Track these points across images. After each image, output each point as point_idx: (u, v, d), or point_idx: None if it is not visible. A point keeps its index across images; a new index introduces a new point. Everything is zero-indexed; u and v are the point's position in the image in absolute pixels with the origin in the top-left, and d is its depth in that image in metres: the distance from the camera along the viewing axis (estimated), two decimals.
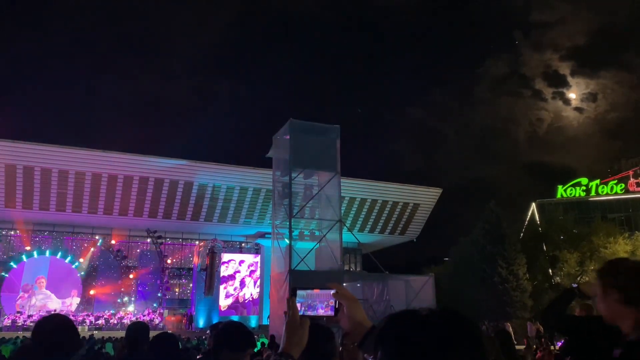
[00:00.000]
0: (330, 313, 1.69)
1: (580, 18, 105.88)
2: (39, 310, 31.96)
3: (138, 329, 4.51)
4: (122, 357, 4.58)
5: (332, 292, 1.69)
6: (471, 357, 1.05)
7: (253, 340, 3.26)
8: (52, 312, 29.37)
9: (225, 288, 34.80)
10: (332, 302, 1.69)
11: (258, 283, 35.63)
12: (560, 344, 10.57)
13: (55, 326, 2.81)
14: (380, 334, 1.14)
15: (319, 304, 1.71)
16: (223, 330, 3.22)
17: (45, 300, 33.20)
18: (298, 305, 1.71)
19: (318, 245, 22.58)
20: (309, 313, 1.70)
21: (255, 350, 7.93)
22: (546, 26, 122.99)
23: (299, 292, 1.71)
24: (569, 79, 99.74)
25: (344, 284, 18.31)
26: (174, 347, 3.80)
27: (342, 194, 24.00)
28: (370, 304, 21.50)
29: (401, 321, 1.13)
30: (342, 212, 26.50)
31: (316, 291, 1.72)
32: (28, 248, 34.75)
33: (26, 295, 32.96)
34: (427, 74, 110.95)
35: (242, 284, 35.59)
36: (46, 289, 33.77)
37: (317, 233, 23.25)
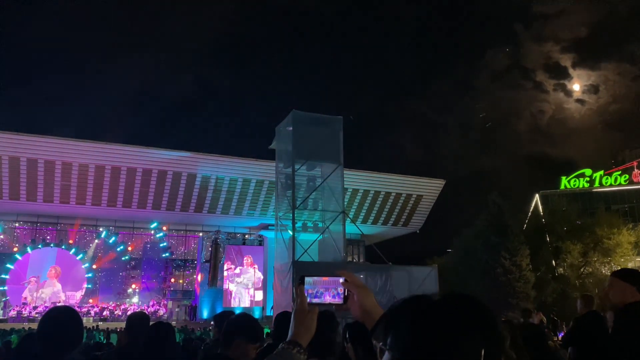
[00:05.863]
0: (338, 300, 1.68)
1: (581, 9, 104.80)
2: (44, 302, 32.16)
3: (138, 318, 4.56)
4: (122, 346, 4.63)
5: (340, 279, 1.68)
6: (485, 341, 1.02)
7: (262, 334, 3.27)
8: (58, 304, 29.64)
9: (228, 279, 34.92)
10: (340, 289, 1.68)
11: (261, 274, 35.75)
12: (562, 334, 10.63)
13: (61, 316, 2.84)
14: (391, 318, 1.11)
15: (326, 291, 1.70)
16: (236, 319, 3.24)
17: (53, 292, 33.39)
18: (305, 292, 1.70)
19: (321, 236, 22.58)
20: (316, 300, 1.69)
21: None
22: (547, 18, 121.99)
23: (306, 279, 1.71)
24: (571, 70, 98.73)
25: None
26: (170, 335, 3.85)
27: (345, 186, 23.95)
28: (374, 295, 21.49)
29: (413, 305, 1.10)
30: (346, 203, 26.48)
31: (324, 279, 1.72)
32: (33, 240, 34.92)
33: (32, 286, 33.15)
34: (429, 66, 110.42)
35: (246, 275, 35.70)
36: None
37: (320, 224, 23.22)
